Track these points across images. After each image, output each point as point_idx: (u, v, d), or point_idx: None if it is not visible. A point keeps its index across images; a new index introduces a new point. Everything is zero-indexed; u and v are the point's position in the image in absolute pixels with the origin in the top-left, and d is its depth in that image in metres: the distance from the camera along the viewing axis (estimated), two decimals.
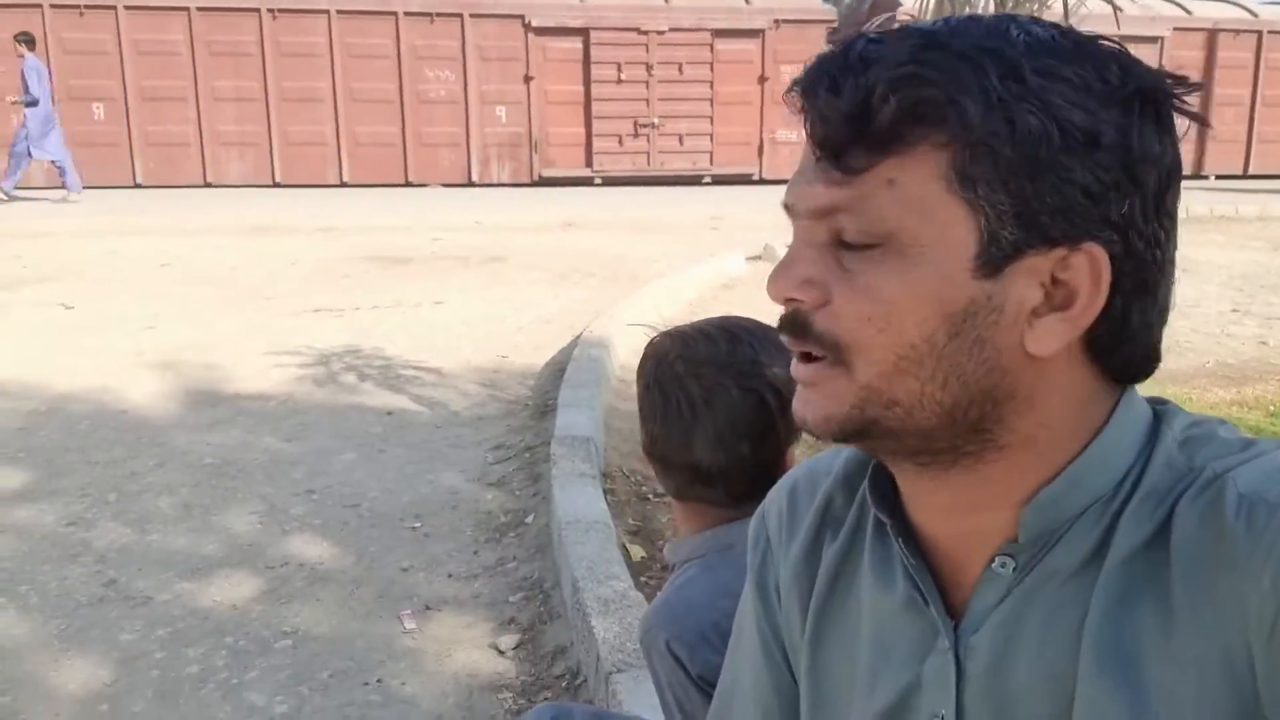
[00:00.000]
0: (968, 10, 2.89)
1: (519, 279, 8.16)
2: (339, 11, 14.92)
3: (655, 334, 1.45)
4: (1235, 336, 6.31)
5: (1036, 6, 2.88)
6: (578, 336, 5.78)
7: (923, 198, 0.65)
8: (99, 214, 11.23)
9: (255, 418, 4.74)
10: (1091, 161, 0.64)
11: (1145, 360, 0.72)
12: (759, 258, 8.74)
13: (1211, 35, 17.30)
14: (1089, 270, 0.66)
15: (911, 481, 0.75)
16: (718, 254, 8.79)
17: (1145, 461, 0.69)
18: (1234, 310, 7.01)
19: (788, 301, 0.71)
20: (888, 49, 0.65)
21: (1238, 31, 17.40)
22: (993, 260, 0.66)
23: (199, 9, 14.60)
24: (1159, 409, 0.73)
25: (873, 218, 0.66)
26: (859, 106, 0.65)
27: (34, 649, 2.83)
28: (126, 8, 14.45)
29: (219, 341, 6.08)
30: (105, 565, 3.31)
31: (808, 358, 0.71)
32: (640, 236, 10.48)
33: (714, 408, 1.32)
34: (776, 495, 0.93)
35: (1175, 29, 16.94)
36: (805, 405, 0.72)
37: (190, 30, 14.67)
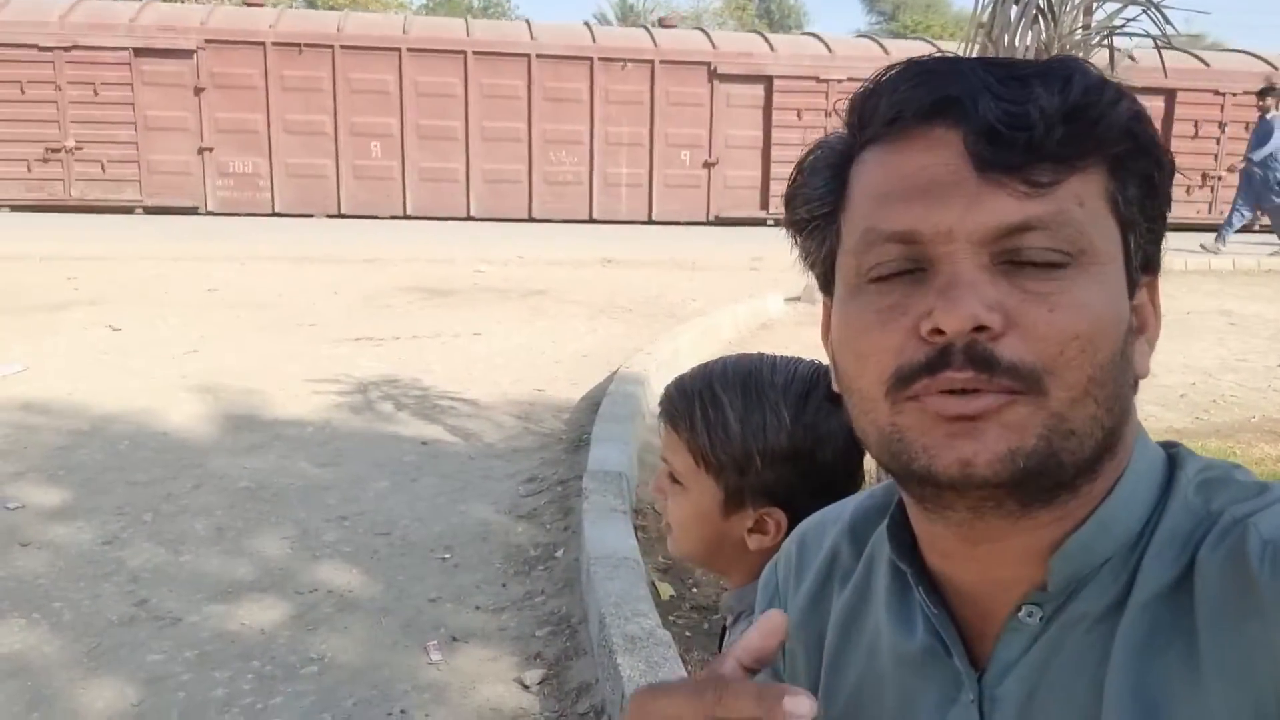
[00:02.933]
0: (1014, 55, 2.88)
1: (558, 312, 8.20)
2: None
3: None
4: None
5: (1081, 54, 2.88)
6: (614, 372, 5.78)
7: (1098, 215, 0.64)
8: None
9: (292, 443, 4.78)
10: (1168, 196, 0.68)
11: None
12: (798, 299, 8.72)
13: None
14: (1151, 296, 0.69)
15: (952, 530, 0.70)
16: (757, 294, 8.79)
17: (1164, 505, 0.68)
18: None
19: (974, 332, 0.62)
20: (1041, 65, 0.65)
21: None
22: (1134, 280, 0.67)
23: (474, 53, 15.55)
24: (1171, 450, 0.72)
25: (1070, 234, 0.62)
26: (1083, 108, 0.62)
27: (64, 666, 2.86)
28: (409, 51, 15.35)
29: (260, 367, 6.15)
30: (138, 585, 3.33)
31: (963, 393, 0.62)
32: (681, 274, 10.50)
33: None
34: (788, 544, 0.92)
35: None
36: (974, 441, 0.62)
37: (465, 73, 15.57)
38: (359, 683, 2.80)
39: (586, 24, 17.23)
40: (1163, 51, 3.12)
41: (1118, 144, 0.64)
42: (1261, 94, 12.61)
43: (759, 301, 8.51)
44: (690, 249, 12.06)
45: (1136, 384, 0.70)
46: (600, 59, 15.68)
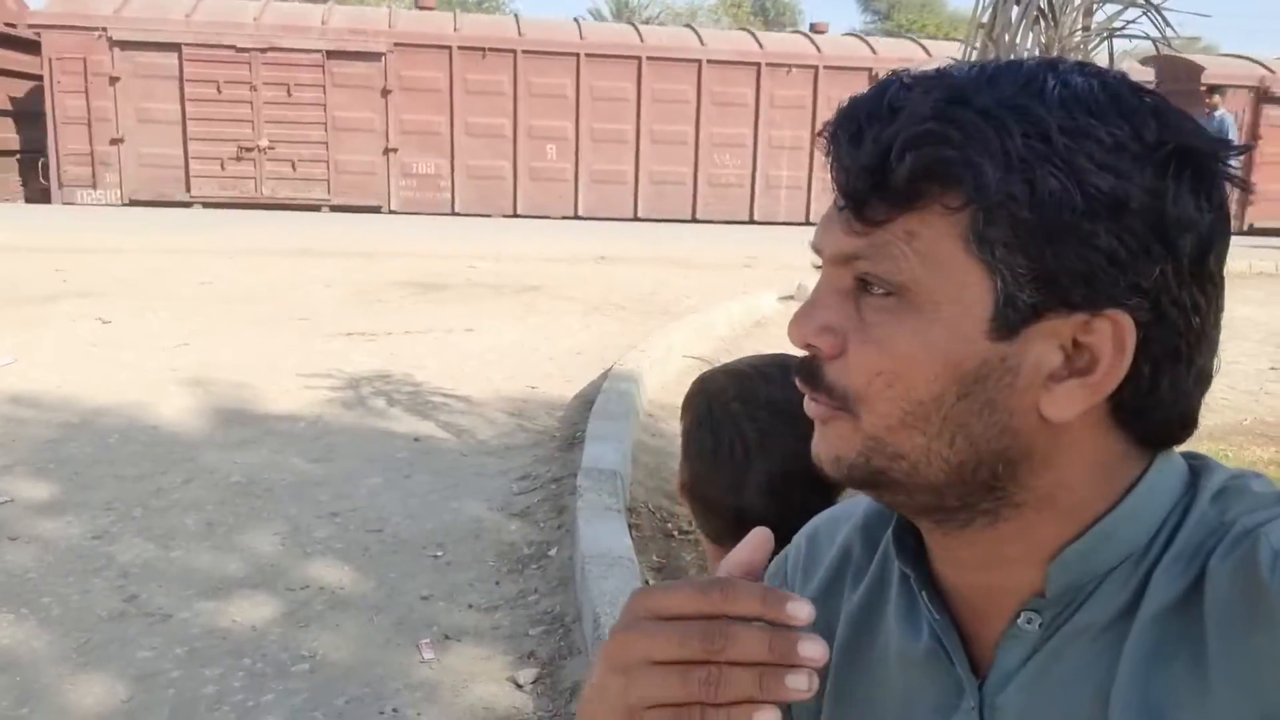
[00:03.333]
0: (1012, 56, 2.88)
1: (552, 309, 8.18)
2: (708, 61, 16.35)
3: (707, 368, 1.40)
4: (1274, 395, 6.20)
5: (1081, 55, 2.87)
6: (608, 369, 5.77)
7: (940, 255, 0.63)
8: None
9: (283, 438, 4.75)
10: (1118, 226, 0.61)
11: (1179, 426, 0.69)
12: (791, 297, 8.72)
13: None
14: (1112, 336, 0.63)
15: (933, 535, 0.73)
16: (750, 291, 8.78)
17: (1181, 517, 0.67)
18: (1272, 368, 6.91)
19: (807, 347, 0.70)
20: (914, 100, 0.64)
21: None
22: (1009, 322, 0.63)
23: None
24: (1194, 464, 0.71)
25: (890, 268, 0.64)
26: (877, 160, 0.63)
27: (53, 662, 2.83)
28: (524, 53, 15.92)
29: (252, 361, 6.12)
30: (127, 580, 3.31)
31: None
32: (676, 271, 10.49)
33: (769, 453, 1.27)
34: (798, 538, 0.92)
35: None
36: (819, 443, 0.72)
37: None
38: (351, 681, 2.78)
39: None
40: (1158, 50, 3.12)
41: (918, 195, 0.63)
42: (1209, 92, 12.66)
43: (752, 299, 8.51)
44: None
45: (1126, 425, 0.67)
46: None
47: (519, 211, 15.99)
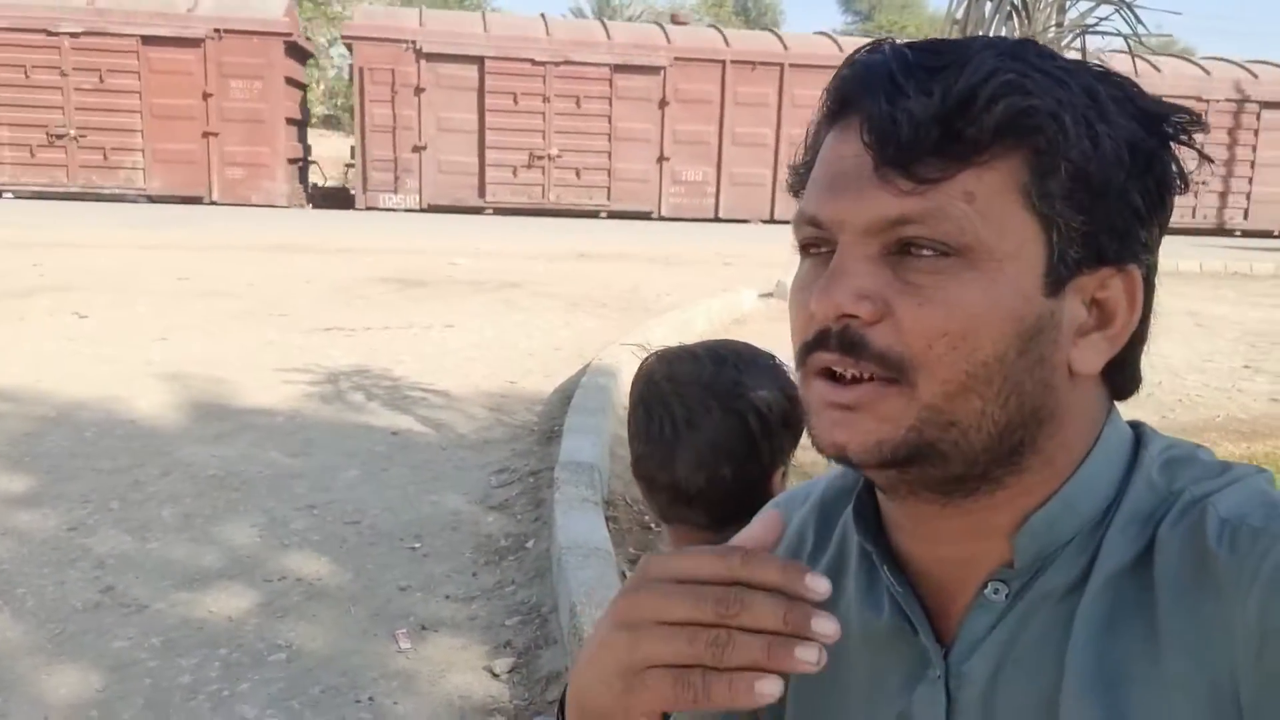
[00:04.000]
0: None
1: (532, 305, 8.18)
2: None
3: (647, 354, 1.44)
4: (1247, 392, 6.27)
5: (1056, 46, 2.91)
6: (587, 365, 5.78)
7: (1000, 211, 0.63)
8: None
9: (261, 432, 4.74)
10: (1142, 184, 0.65)
11: (1137, 378, 0.73)
12: (770, 294, 8.75)
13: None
14: (1125, 289, 0.67)
15: (909, 509, 0.72)
16: (730, 288, 8.81)
17: (1126, 482, 0.69)
18: (1245, 366, 6.98)
19: (840, 318, 0.64)
20: (968, 55, 0.63)
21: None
22: (1059, 278, 0.65)
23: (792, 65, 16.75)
24: (1136, 429, 0.73)
25: (950, 229, 0.62)
26: (956, 108, 0.62)
27: (27, 652, 2.82)
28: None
29: (230, 356, 6.10)
30: (103, 572, 3.30)
31: (843, 379, 0.65)
32: (656, 269, 10.50)
33: (696, 428, 1.32)
34: (755, 520, 0.92)
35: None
36: (847, 430, 0.65)
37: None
38: (327, 670, 2.78)
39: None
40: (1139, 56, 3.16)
41: (1000, 141, 0.62)
42: None
43: (732, 296, 8.54)
44: None
45: (1129, 379, 0.71)
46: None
47: (775, 217, 16.75)
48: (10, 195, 15.28)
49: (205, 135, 15.69)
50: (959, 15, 3.05)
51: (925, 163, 0.62)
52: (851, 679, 0.79)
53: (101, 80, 15.30)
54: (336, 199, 17.47)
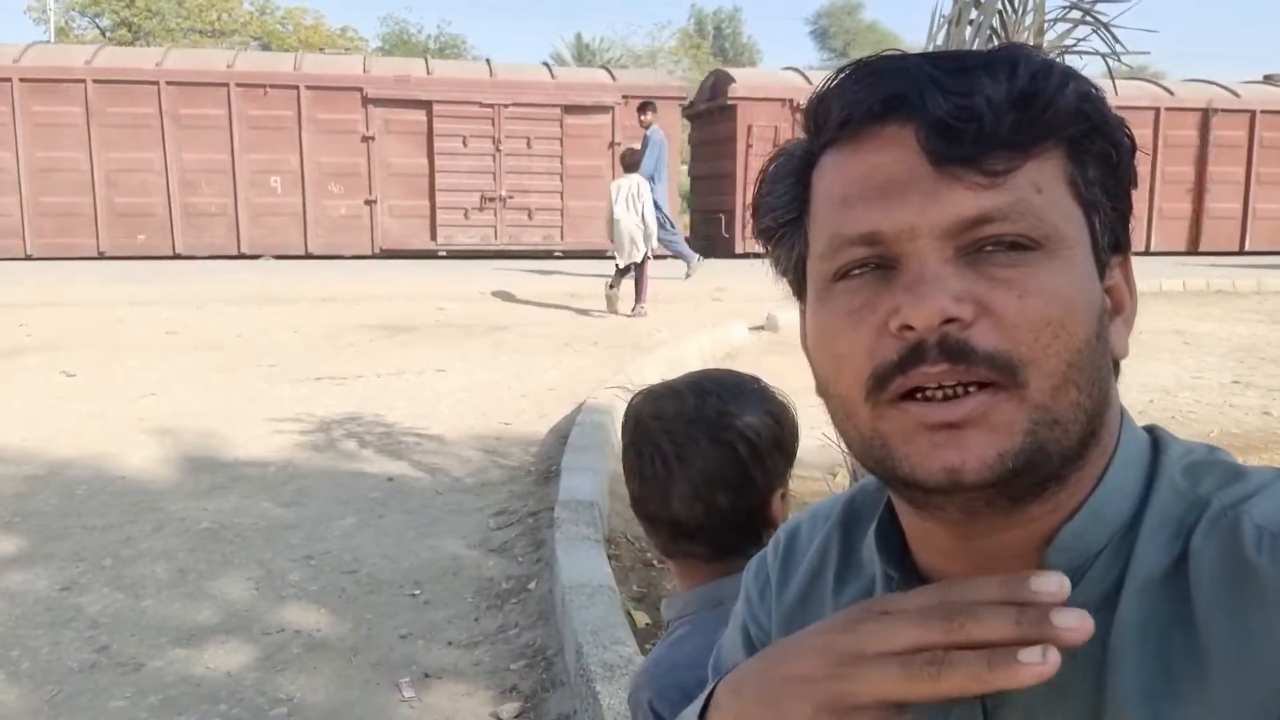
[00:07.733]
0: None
1: (522, 346, 8.16)
2: None
3: (633, 394, 1.46)
4: (1238, 407, 6.28)
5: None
6: (581, 404, 5.75)
7: (1060, 200, 0.64)
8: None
9: (254, 483, 4.69)
10: (1132, 173, 0.68)
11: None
12: (761, 328, 8.76)
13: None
14: (1124, 276, 0.70)
15: (954, 530, 0.68)
16: (721, 323, 8.81)
17: (1150, 488, 0.67)
18: (1235, 381, 7.01)
19: (944, 324, 0.61)
20: (990, 57, 0.63)
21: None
22: (1103, 264, 0.67)
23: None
24: (1151, 431, 0.72)
25: (1031, 222, 0.62)
26: (1031, 94, 0.61)
27: (24, 716, 2.76)
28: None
29: (220, 408, 6.05)
30: (98, 631, 3.24)
31: (937, 396, 0.61)
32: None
33: (687, 462, 1.32)
34: (778, 535, 0.91)
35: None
36: (959, 450, 0.61)
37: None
38: None
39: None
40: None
41: (1070, 126, 0.63)
42: (641, 109, 12.44)
43: (723, 330, 8.54)
44: None
45: (1117, 367, 0.70)
46: None
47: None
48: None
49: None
50: (940, 41, 3.07)
51: (995, 156, 0.61)
52: None
53: None
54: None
